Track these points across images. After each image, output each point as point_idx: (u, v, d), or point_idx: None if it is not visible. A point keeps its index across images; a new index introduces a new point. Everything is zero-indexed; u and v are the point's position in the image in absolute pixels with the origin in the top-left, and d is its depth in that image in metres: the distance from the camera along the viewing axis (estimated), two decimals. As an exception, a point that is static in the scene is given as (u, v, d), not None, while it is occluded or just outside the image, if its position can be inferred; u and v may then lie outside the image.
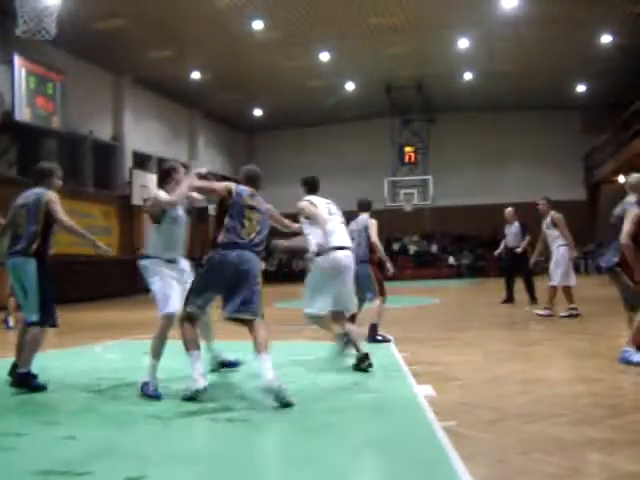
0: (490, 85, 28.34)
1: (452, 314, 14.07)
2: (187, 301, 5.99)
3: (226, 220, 5.99)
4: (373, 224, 9.54)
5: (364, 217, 9.71)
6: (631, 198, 7.19)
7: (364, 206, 9.95)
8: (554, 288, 11.73)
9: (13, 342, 7.15)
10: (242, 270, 5.89)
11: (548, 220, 12.03)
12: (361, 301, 9.07)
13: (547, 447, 4.05)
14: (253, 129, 35.95)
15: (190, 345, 5.89)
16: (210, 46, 22.88)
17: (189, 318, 5.95)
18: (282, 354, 8.31)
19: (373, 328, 9.22)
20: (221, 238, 5.96)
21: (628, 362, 6.56)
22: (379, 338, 9.15)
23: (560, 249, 11.74)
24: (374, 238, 9.49)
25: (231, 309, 5.80)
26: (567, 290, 11.67)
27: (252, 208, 6.16)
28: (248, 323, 5.80)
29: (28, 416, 5.34)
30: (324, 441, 4.42)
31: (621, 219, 6.97)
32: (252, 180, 6.52)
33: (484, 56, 24.66)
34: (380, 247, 9.69)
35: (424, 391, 5.69)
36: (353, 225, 9.72)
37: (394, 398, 5.59)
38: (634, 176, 7.51)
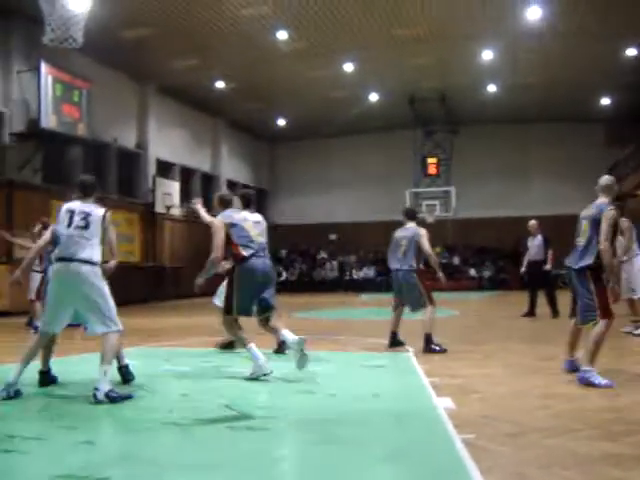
0: (514, 97, 28.25)
1: (472, 327, 14.01)
2: (234, 308, 7.22)
3: (235, 239, 7.24)
4: (425, 234, 9.53)
5: (412, 226, 9.74)
6: (602, 200, 6.85)
7: (411, 215, 10.00)
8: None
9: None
10: (268, 274, 7.38)
11: None
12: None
13: (566, 462, 4.03)
14: (276, 138, 36.04)
15: (246, 341, 7.08)
16: (234, 56, 23.00)
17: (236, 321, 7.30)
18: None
19: (428, 338, 9.21)
20: (243, 252, 7.19)
21: (588, 383, 6.37)
22: (436, 348, 9.11)
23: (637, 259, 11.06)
24: (428, 248, 9.46)
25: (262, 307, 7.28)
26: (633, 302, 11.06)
27: (247, 221, 7.56)
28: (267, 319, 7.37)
29: (48, 421, 5.38)
30: (343, 452, 4.41)
31: (596, 221, 6.65)
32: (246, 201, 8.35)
33: (508, 68, 24.60)
34: (434, 256, 9.72)
35: (443, 403, 5.68)
36: (400, 233, 9.73)
37: (413, 410, 5.57)
38: (605, 178, 7.11)
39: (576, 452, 4.23)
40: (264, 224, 8.55)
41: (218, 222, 7.29)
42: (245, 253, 7.14)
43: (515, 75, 25.38)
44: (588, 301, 6.63)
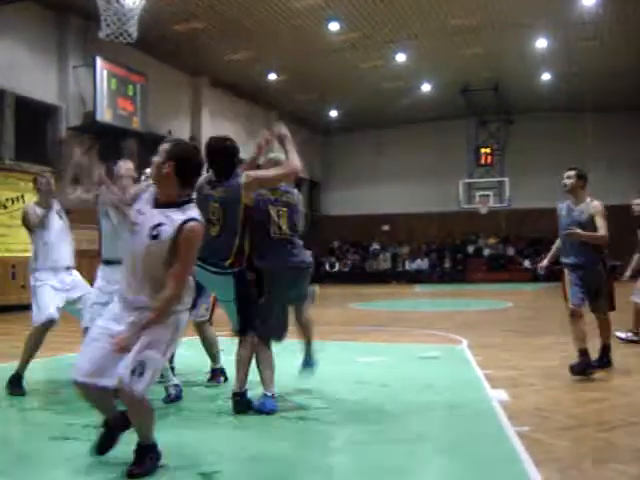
0: (569, 86, 27.79)
1: (527, 318, 13.86)
2: None
3: None
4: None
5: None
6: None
7: None
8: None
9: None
10: None
11: None
12: None
13: (622, 456, 3.98)
14: (328, 130, 36.03)
15: None
16: (286, 48, 23.04)
17: None
18: (354, 355, 8.35)
19: None
20: None
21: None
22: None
23: None
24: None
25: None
26: None
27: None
28: None
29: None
30: (395, 444, 4.41)
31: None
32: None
33: (563, 56, 24.20)
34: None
35: (498, 395, 5.65)
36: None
37: (467, 402, 5.54)
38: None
39: (632, 446, 4.18)
40: None
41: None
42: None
43: (570, 63, 24.95)
44: None
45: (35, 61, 18.40)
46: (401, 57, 24.30)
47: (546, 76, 26.92)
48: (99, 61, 18.78)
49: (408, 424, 4.91)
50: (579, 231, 6.64)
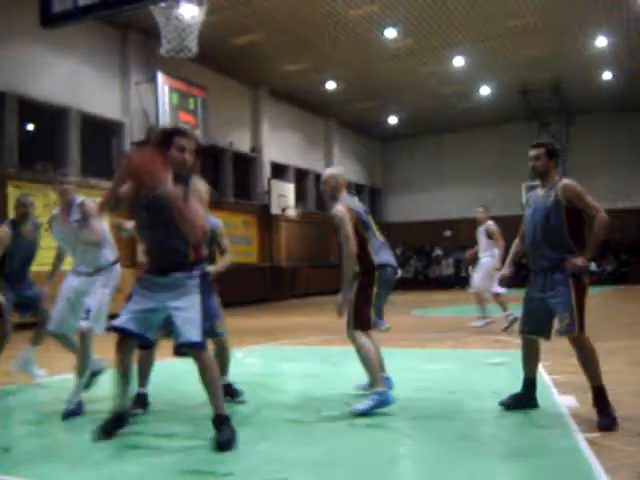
0: (631, 84, 27.28)
1: (593, 323, 13.59)
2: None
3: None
4: None
5: None
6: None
7: None
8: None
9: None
10: None
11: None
12: None
13: (697, 461, 3.90)
14: (388, 137, 35.98)
15: None
16: (344, 56, 23.12)
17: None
18: (419, 362, 8.34)
19: None
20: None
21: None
22: None
23: None
24: None
25: None
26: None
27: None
28: None
29: (175, 421, 5.55)
30: (462, 451, 4.39)
31: None
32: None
33: (624, 54, 23.78)
34: None
35: (566, 401, 5.58)
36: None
37: (535, 408, 5.48)
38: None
39: None
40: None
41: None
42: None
43: (632, 61, 24.51)
44: None
45: (99, 78, 18.81)
46: (459, 61, 24.14)
47: (607, 75, 26.43)
48: (160, 76, 19.13)
49: (474, 431, 4.89)
50: (576, 260, 5.12)
